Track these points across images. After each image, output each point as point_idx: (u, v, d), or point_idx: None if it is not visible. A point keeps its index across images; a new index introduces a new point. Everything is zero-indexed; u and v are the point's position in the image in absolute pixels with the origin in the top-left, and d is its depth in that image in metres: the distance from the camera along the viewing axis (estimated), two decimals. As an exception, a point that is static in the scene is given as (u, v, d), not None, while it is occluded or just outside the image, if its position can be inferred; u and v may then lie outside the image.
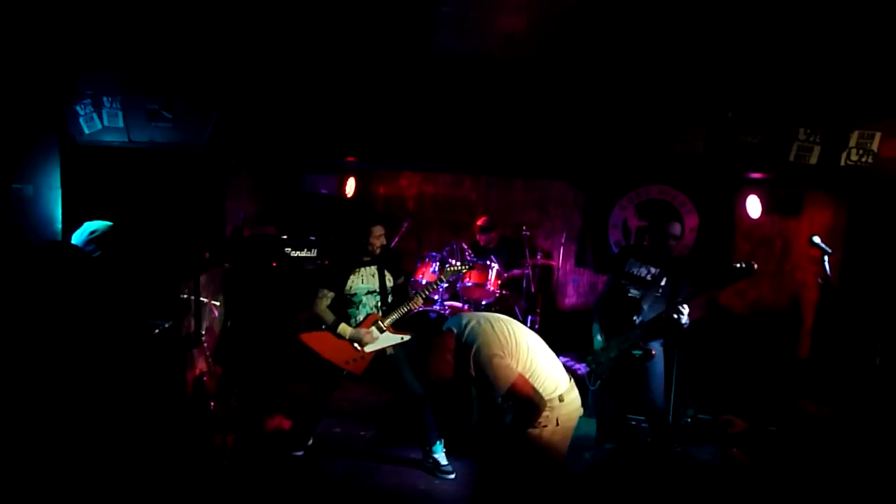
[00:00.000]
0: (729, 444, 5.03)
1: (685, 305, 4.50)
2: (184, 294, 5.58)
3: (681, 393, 5.30)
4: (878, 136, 4.07)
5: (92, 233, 3.72)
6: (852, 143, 4.12)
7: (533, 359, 3.38)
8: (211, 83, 4.87)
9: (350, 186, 7.23)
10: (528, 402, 3.27)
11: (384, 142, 5.08)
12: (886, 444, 3.71)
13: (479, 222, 6.92)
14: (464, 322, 3.41)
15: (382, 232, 4.79)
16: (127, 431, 3.42)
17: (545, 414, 3.32)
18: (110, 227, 3.79)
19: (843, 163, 4.15)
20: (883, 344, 4.66)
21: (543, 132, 4.95)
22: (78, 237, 3.76)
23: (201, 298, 5.06)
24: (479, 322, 3.39)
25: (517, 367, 3.30)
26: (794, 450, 4.54)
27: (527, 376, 3.31)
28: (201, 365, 5.33)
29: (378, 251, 4.80)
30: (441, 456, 4.80)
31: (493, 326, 3.37)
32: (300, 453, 4.87)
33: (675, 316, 4.51)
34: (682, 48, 3.48)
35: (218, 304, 5.88)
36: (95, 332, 3.22)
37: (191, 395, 5.02)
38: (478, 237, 6.91)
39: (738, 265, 4.28)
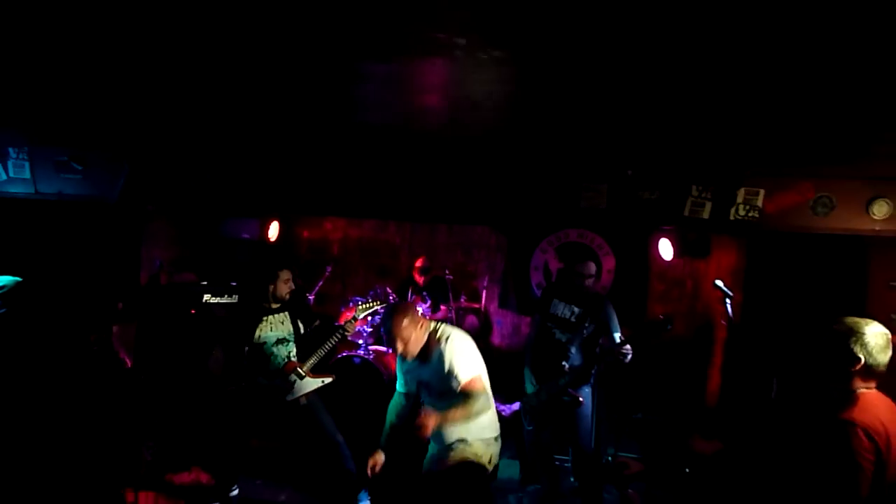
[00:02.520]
0: (625, 484, 5.26)
1: (628, 346, 4.65)
2: (94, 346, 5.49)
3: (601, 432, 5.50)
4: (761, 193, 4.51)
5: (0, 288, 3.66)
6: (740, 199, 4.55)
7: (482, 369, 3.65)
8: (123, 134, 4.86)
9: (273, 231, 7.25)
10: (479, 397, 3.48)
11: (306, 195, 5.18)
12: (772, 475, 4.01)
13: (417, 263, 7.05)
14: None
15: (290, 276, 4.70)
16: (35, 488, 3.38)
17: (486, 451, 3.58)
18: (18, 283, 3.73)
19: (732, 217, 4.56)
20: (778, 379, 5.01)
21: (464, 182, 5.19)
22: None
23: (113, 349, 5.00)
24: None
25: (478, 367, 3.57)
26: (684, 487, 4.81)
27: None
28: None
29: (287, 296, 4.71)
30: None
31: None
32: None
33: (621, 357, 4.63)
34: (585, 108, 3.76)
35: (134, 354, 5.80)
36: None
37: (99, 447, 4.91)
38: (416, 276, 7.02)
39: (658, 319, 4.49)
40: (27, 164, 4.87)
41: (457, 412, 3.47)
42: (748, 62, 2.69)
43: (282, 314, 4.74)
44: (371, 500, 4.86)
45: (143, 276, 6.32)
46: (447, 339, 3.55)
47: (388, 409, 3.99)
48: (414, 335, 3.50)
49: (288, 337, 4.73)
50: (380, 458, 3.72)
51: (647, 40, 2.55)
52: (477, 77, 3.15)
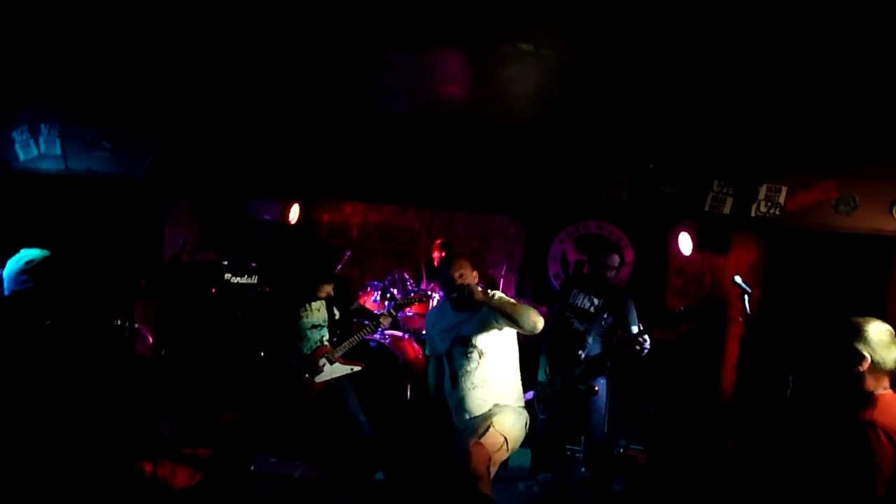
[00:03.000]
0: (634, 477, 5.30)
1: (646, 336, 4.69)
2: (117, 321, 5.62)
3: (614, 424, 5.54)
4: (784, 190, 4.49)
5: (28, 262, 3.70)
6: (761, 195, 4.54)
7: None
8: (152, 114, 4.96)
9: (294, 213, 7.33)
10: (522, 310, 3.54)
11: (327, 178, 5.25)
12: (784, 473, 4.02)
13: (437, 242, 7.08)
14: None
15: (331, 288, 4.99)
16: (53, 460, 3.49)
17: (509, 426, 3.61)
18: (46, 256, 3.79)
19: (753, 214, 4.55)
20: (794, 378, 5.00)
21: (485, 171, 5.23)
22: (12, 265, 3.77)
23: (135, 325, 5.11)
24: None
25: None
26: (693, 482, 4.84)
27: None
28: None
29: (325, 296, 4.99)
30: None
31: None
32: (233, 480, 4.94)
33: (638, 347, 4.68)
34: (609, 101, 3.77)
35: (153, 331, 5.93)
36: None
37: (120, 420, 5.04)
38: (434, 255, 7.06)
39: (681, 309, 4.53)
40: (58, 141, 4.99)
41: (492, 370, 3.59)
42: (774, 57, 2.69)
43: (318, 302, 4.99)
44: (385, 481, 4.97)
45: (166, 254, 6.43)
46: (496, 293, 3.62)
47: (427, 377, 4.12)
48: (470, 276, 3.63)
49: (322, 323, 4.97)
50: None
51: (673, 35, 2.57)
52: (502, 69, 3.18)
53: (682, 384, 6.64)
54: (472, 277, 3.66)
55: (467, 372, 3.66)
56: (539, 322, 3.52)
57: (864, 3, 2.11)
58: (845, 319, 2.57)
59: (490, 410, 3.66)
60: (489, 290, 3.66)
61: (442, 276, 3.72)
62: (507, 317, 3.51)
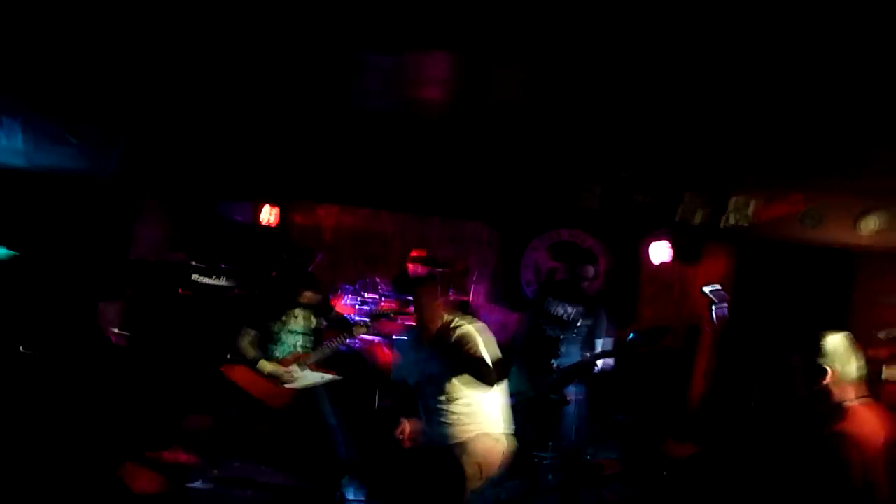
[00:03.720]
0: (602, 485, 5.32)
1: (599, 362, 4.71)
2: (81, 323, 5.49)
3: (582, 432, 5.55)
4: (753, 202, 4.56)
5: None
6: (731, 207, 4.60)
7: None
8: (121, 108, 4.85)
9: (266, 215, 7.22)
10: (484, 369, 3.44)
11: (300, 180, 5.21)
12: (748, 480, 4.07)
13: (412, 253, 7.02)
14: None
15: (311, 295, 4.95)
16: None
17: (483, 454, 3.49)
18: (12, 256, 3.69)
19: (722, 224, 4.61)
20: (758, 387, 5.07)
21: (460, 176, 5.22)
22: None
23: (101, 326, 5.00)
24: None
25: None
26: (659, 489, 4.87)
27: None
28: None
29: (307, 303, 4.94)
30: (349, 491, 4.87)
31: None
32: (198, 484, 4.85)
33: (595, 370, 4.70)
34: (584, 110, 3.78)
35: (120, 332, 5.80)
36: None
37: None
38: (408, 266, 7.01)
39: (659, 326, 4.54)
40: (20, 135, 4.84)
41: (464, 406, 3.47)
42: (746, 72, 2.72)
43: (297, 309, 4.93)
44: (355, 486, 4.91)
45: (132, 254, 6.31)
46: (461, 330, 3.52)
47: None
48: (431, 311, 3.56)
49: (300, 330, 4.93)
50: (410, 425, 3.68)
51: (648, 48, 2.58)
52: (480, 75, 3.18)
53: (652, 392, 6.68)
54: (431, 304, 3.61)
55: (440, 409, 3.55)
56: (493, 384, 3.47)
57: (832, 23, 2.14)
58: (806, 336, 2.60)
59: (471, 437, 3.53)
60: (455, 327, 3.56)
61: (417, 310, 3.68)
62: (473, 373, 3.43)
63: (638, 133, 4.10)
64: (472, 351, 3.46)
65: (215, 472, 4.95)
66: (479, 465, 3.50)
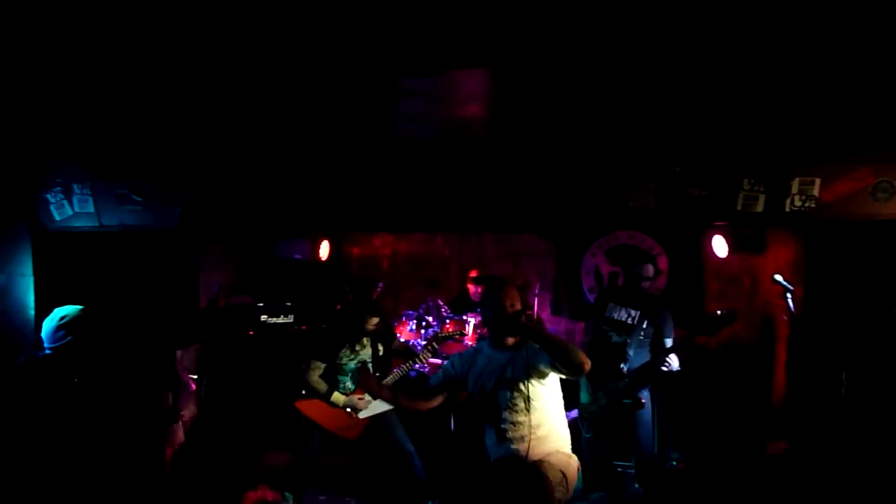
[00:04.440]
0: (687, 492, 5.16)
1: (673, 355, 4.62)
2: (161, 370, 5.68)
3: (664, 436, 5.41)
4: (817, 182, 4.37)
5: (62, 318, 3.77)
6: (794, 189, 4.42)
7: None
8: (179, 165, 5.07)
9: (324, 250, 7.39)
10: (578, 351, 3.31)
11: (354, 212, 5.29)
12: (846, 472, 3.87)
13: (471, 273, 7.08)
14: None
15: (377, 321, 5.00)
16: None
17: (566, 464, 3.43)
18: (80, 311, 3.86)
19: (787, 209, 4.43)
20: (847, 375, 4.84)
21: (510, 190, 5.19)
22: (48, 323, 3.85)
23: (178, 372, 5.17)
24: None
25: None
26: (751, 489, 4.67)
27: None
28: (179, 439, 5.39)
29: (372, 330, 5.00)
30: None
31: None
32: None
33: (665, 368, 4.60)
34: (630, 108, 3.74)
35: (195, 377, 5.97)
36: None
37: (170, 471, 5.07)
38: (469, 287, 7.05)
39: (720, 312, 4.40)
40: (90, 199, 5.10)
41: (540, 419, 3.39)
42: (798, 46, 2.64)
43: (364, 338, 5.02)
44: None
45: (202, 301, 6.52)
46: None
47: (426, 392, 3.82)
48: (518, 307, 3.40)
49: (367, 358, 5.00)
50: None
51: (690, 35, 2.53)
52: (519, 84, 3.18)
53: (734, 390, 6.46)
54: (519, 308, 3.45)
55: (515, 424, 3.42)
56: (586, 363, 3.24)
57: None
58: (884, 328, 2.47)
59: (544, 453, 3.43)
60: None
61: (490, 302, 3.45)
62: (555, 351, 3.25)
63: (688, 124, 4.03)
64: (554, 335, 3.41)
65: (301, 506, 5.01)
66: (564, 475, 3.43)
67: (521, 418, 3.41)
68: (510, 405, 3.42)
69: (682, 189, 4.57)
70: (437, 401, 3.79)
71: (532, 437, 3.39)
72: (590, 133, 4.34)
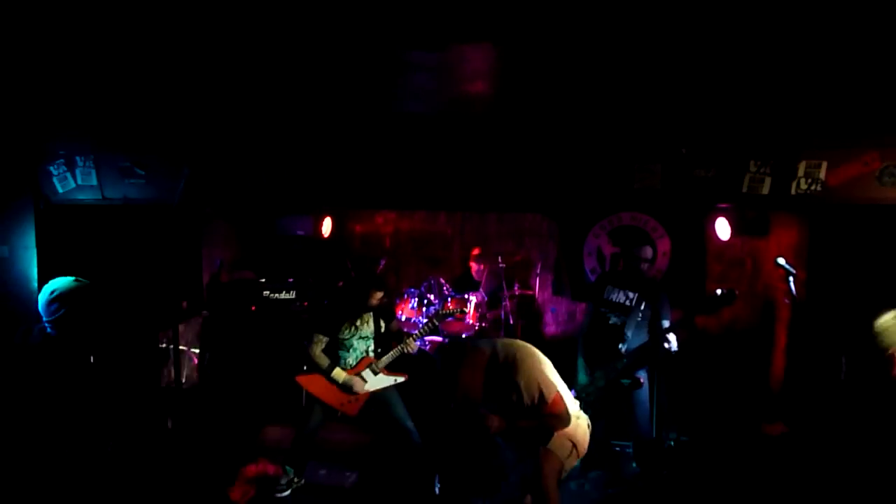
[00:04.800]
0: (685, 471, 5.20)
1: (672, 334, 4.64)
2: (162, 344, 5.71)
3: (662, 417, 5.44)
4: (824, 165, 4.34)
5: (52, 292, 3.74)
6: (801, 172, 4.39)
7: (559, 380, 3.56)
8: (182, 139, 5.04)
9: (326, 227, 7.39)
10: (559, 419, 3.40)
11: (357, 189, 5.27)
12: (842, 458, 3.88)
13: (474, 251, 7.08)
14: (495, 342, 3.50)
15: (382, 295, 5.01)
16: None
17: (573, 431, 3.48)
18: (73, 283, 3.82)
19: (793, 192, 4.41)
20: (847, 359, 4.84)
21: (513, 169, 5.18)
22: (42, 297, 3.81)
23: (180, 347, 5.19)
24: (511, 341, 3.53)
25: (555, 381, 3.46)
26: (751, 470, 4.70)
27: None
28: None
29: (375, 305, 5.01)
30: (437, 489, 4.88)
31: (526, 344, 3.53)
32: (286, 494, 4.97)
33: (666, 345, 4.62)
34: (638, 89, 3.70)
35: (197, 351, 6.01)
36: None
37: (171, 443, 5.12)
38: (471, 265, 7.06)
39: (720, 292, 4.41)
40: (94, 172, 5.09)
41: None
42: (807, 28, 2.60)
43: (366, 314, 5.03)
44: (441, 486, 4.94)
45: (205, 276, 6.53)
46: (513, 362, 3.37)
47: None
48: (471, 378, 3.34)
49: (369, 335, 5.01)
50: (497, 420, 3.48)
51: (699, 14, 2.50)
52: (523, 59, 3.14)
53: (731, 372, 6.49)
54: (470, 378, 3.36)
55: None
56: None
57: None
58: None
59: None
60: (506, 362, 3.39)
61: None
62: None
63: (695, 105, 3.98)
64: (533, 389, 3.38)
65: (302, 481, 5.05)
66: (573, 443, 3.45)
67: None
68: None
69: (687, 170, 4.55)
70: None
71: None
72: (595, 113, 4.30)
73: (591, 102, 4.03)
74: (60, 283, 3.72)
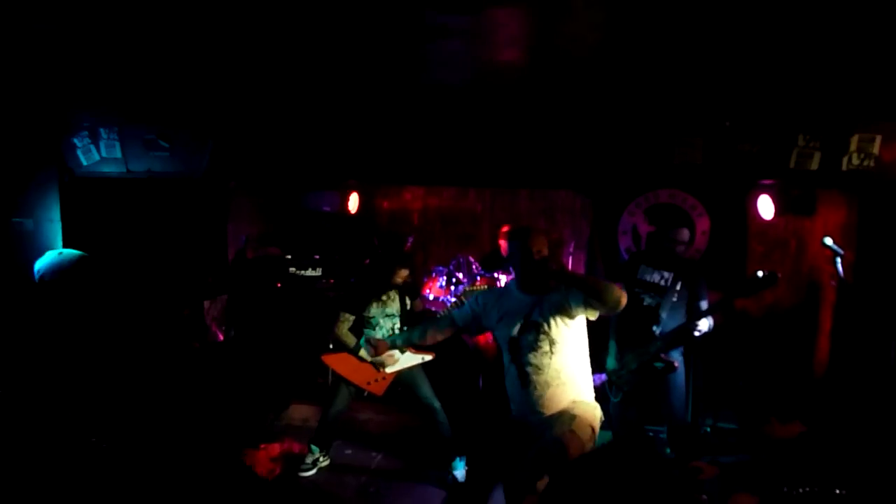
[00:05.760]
0: (698, 490, 5.11)
1: (704, 319, 4.55)
2: (188, 320, 5.77)
3: (699, 402, 5.35)
4: (878, 139, 4.16)
5: (39, 268, 3.75)
6: (853, 147, 4.22)
7: None
8: (207, 111, 5.05)
9: (353, 203, 7.36)
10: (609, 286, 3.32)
11: (385, 163, 5.23)
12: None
13: (503, 230, 6.99)
14: None
15: (407, 273, 5.01)
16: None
17: (592, 416, 3.43)
18: (78, 257, 3.81)
19: (844, 167, 4.24)
20: (896, 343, 4.70)
21: (546, 143, 5.10)
22: (46, 259, 3.83)
23: (205, 323, 5.24)
24: None
25: None
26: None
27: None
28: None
29: (400, 283, 5.01)
30: (461, 473, 4.92)
31: None
32: (311, 473, 5.01)
33: (697, 333, 4.54)
34: (679, 58, 3.57)
35: (223, 328, 6.06)
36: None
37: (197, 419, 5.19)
38: (500, 243, 6.98)
39: (761, 274, 4.29)
40: (118, 144, 5.13)
41: (565, 363, 3.39)
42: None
43: (392, 292, 5.03)
44: (468, 468, 4.95)
45: (230, 252, 6.57)
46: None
47: (437, 325, 3.95)
48: (546, 253, 3.42)
49: (395, 312, 5.02)
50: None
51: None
52: (560, 26, 3.04)
53: (773, 356, 6.35)
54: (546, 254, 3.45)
55: (539, 368, 3.42)
56: (623, 297, 3.27)
57: None
58: None
59: (568, 405, 3.44)
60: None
61: (517, 249, 3.49)
62: (589, 292, 3.26)
63: (739, 74, 3.83)
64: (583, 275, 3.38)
65: (328, 460, 5.10)
66: (592, 428, 3.41)
67: (545, 361, 3.41)
68: (534, 347, 3.42)
69: (731, 144, 4.40)
70: (446, 333, 3.90)
71: (556, 381, 3.41)
72: (634, 83, 4.17)
73: (630, 72, 3.90)
74: (46, 260, 3.71)
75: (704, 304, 4.70)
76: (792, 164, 4.34)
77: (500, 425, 3.76)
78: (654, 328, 4.69)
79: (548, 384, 3.42)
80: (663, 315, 4.72)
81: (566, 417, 3.37)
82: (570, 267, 7.13)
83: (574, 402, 3.45)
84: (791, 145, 4.34)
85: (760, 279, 4.24)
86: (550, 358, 3.40)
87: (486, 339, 6.13)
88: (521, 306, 3.50)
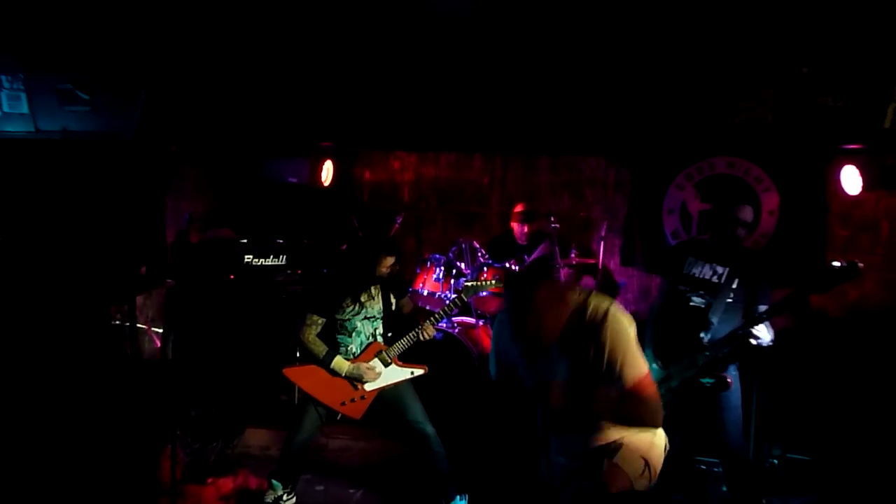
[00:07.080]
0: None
1: (762, 325, 4.54)
2: (116, 320, 5.74)
3: (762, 427, 5.36)
4: None
5: None
6: (968, 103, 4.21)
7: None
8: (138, 54, 5.00)
9: (326, 173, 7.36)
10: (647, 405, 3.25)
11: (368, 122, 5.23)
12: None
13: (517, 208, 7.02)
14: (590, 290, 3.42)
15: (393, 262, 4.96)
16: None
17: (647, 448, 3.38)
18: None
19: (955, 129, 4.23)
20: None
21: (573, 97, 5.09)
22: None
23: (137, 325, 5.21)
24: (607, 297, 3.39)
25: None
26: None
27: None
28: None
29: (383, 275, 4.98)
30: None
31: (623, 309, 3.40)
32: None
33: (753, 341, 4.53)
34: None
35: (160, 331, 6.04)
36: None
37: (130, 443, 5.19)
38: (513, 226, 7.01)
39: (838, 264, 4.28)
40: (23, 96, 5.07)
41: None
42: None
43: (374, 286, 5.00)
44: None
45: (169, 234, 6.54)
46: (604, 317, 3.24)
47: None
48: (554, 314, 3.25)
49: (377, 314, 5.00)
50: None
51: None
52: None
53: (858, 368, 6.36)
54: (551, 310, 3.27)
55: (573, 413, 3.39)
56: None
57: None
58: None
59: (617, 437, 3.39)
60: (595, 314, 3.25)
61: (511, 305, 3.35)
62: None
63: (820, 10, 3.79)
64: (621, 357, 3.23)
65: (294, 498, 5.09)
66: (646, 461, 3.39)
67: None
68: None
69: (809, 98, 4.37)
70: None
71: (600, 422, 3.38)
72: (684, 19, 4.13)
73: (680, 6, 3.87)
74: None
75: (762, 308, 4.69)
76: (887, 125, 4.32)
77: (522, 456, 3.76)
78: (703, 335, 4.70)
79: (588, 427, 3.39)
80: (714, 320, 4.73)
81: (612, 453, 3.34)
82: (601, 255, 7.12)
83: (629, 431, 3.39)
84: (886, 100, 4.31)
85: (838, 270, 4.24)
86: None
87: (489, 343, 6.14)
88: (541, 355, 3.42)
